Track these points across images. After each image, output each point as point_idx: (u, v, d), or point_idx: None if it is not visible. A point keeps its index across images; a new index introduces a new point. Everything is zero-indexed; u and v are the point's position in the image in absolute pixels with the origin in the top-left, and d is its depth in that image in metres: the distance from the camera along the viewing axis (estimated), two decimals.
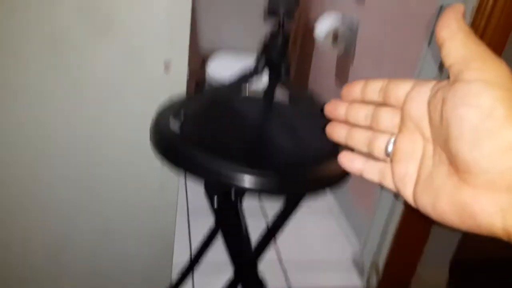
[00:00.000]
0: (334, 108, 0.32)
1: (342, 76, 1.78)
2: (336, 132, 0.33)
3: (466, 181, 0.23)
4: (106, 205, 0.96)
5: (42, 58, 0.78)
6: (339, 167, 0.72)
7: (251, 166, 0.65)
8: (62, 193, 0.92)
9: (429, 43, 1.14)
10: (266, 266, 1.35)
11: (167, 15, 0.80)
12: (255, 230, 0.94)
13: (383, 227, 1.31)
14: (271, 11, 0.75)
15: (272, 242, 0.85)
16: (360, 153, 0.32)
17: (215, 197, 0.76)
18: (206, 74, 1.74)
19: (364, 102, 0.31)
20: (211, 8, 1.87)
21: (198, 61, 2.07)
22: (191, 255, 1.14)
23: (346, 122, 0.32)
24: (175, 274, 1.16)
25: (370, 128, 0.31)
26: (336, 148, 0.76)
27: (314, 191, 0.74)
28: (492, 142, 0.22)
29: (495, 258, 1.59)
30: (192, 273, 1.32)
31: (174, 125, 0.73)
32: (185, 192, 1.72)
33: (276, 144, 0.76)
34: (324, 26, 1.68)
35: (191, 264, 1.14)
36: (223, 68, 1.69)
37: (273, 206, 1.65)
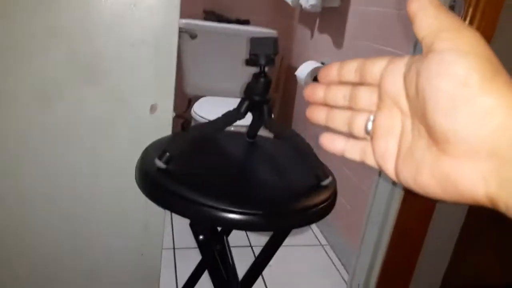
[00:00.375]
0: (313, 92, 0.32)
1: None
2: (316, 115, 0.33)
3: (445, 151, 0.23)
4: (91, 244, 0.97)
5: (33, 104, 0.82)
6: (323, 199, 0.77)
7: (237, 204, 0.68)
8: (46, 232, 0.93)
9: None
10: None
11: (153, 62, 0.86)
12: (240, 259, 0.95)
13: (371, 257, 1.33)
14: (252, 62, 0.80)
15: (259, 275, 0.87)
16: (341, 133, 0.32)
17: (201, 233, 0.78)
18: (192, 117, 1.79)
19: (341, 83, 0.31)
20: (197, 54, 1.95)
21: (184, 104, 2.12)
22: None
23: (325, 104, 0.32)
24: None
25: (349, 108, 0.31)
26: (318, 180, 0.80)
27: (300, 224, 0.77)
28: (469, 110, 0.21)
29: (482, 285, 1.62)
30: None
31: (159, 163, 0.76)
32: (171, 229, 1.73)
33: (261, 180, 0.80)
34: (304, 69, 1.77)
35: None
36: (209, 112, 1.75)
37: (259, 235, 1.67)
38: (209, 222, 0.76)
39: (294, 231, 1.72)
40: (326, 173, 0.81)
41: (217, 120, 0.80)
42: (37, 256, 0.94)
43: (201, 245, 0.79)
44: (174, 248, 1.61)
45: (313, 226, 1.87)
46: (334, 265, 1.63)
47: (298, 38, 2.19)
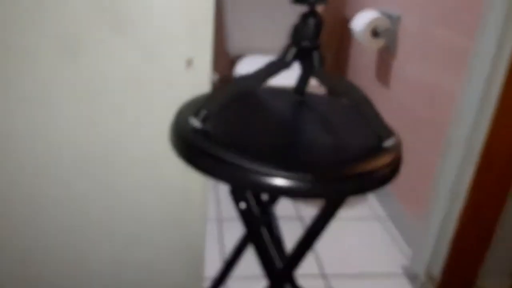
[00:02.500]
0: None
1: (384, 72, 1.67)
2: None
3: None
4: (127, 215, 0.91)
5: (56, 60, 0.75)
6: (385, 163, 0.64)
7: (284, 166, 0.58)
8: (81, 201, 0.88)
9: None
10: (308, 280, 1.27)
11: (187, 10, 0.75)
12: (289, 232, 0.84)
13: (438, 232, 1.18)
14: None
15: (310, 250, 0.77)
16: None
17: (242, 200, 0.69)
18: (235, 76, 1.68)
19: None
20: (240, 8, 1.82)
21: (227, 64, 2.02)
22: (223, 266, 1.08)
23: None
24: None
25: None
26: (379, 141, 0.68)
27: (357, 192, 0.66)
28: None
29: None
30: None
31: (195, 122, 0.67)
32: (216, 198, 1.66)
33: (310, 141, 0.68)
34: (361, 21, 1.59)
35: (222, 277, 1.08)
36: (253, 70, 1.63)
37: (308, 206, 1.56)
38: (250, 188, 0.66)
39: (349, 201, 1.60)
40: (389, 132, 0.68)
41: (259, 71, 0.69)
42: (67, 225, 0.90)
43: (242, 215, 0.70)
44: (219, 219, 1.54)
45: (371, 196, 1.72)
46: (395, 240, 1.49)
47: None
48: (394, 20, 1.54)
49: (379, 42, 1.60)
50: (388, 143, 0.68)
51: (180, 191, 0.90)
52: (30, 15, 0.71)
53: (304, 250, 0.77)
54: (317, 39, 0.69)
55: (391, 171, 0.66)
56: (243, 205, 0.69)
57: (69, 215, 0.89)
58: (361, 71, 1.91)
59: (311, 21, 0.68)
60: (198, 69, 0.81)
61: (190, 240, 0.96)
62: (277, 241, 0.93)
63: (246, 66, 1.69)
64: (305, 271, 0.82)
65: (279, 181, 0.58)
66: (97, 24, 0.74)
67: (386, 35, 1.57)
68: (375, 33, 1.57)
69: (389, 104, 1.63)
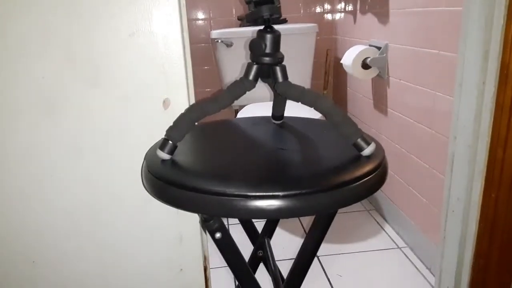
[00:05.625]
0: None
1: (380, 99, 1.64)
2: None
3: None
4: (118, 265, 0.87)
5: (35, 117, 0.76)
6: (366, 171, 0.59)
7: (262, 188, 0.54)
8: (66, 255, 0.85)
9: None
10: None
11: (158, 51, 0.77)
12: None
13: (458, 254, 1.08)
14: (253, 17, 0.67)
15: (304, 276, 0.70)
16: None
17: (216, 230, 0.64)
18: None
19: None
20: (235, 61, 1.86)
21: (230, 115, 2.04)
22: None
23: None
24: None
25: None
26: (358, 150, 0.63)
27: (346, 201, 0.60)
28: None
29: None
30: None
31: (162, 154, 0.65)
32: None
33: (286, 160, 0.65)
34: (350, 55, 1.60)
35: None
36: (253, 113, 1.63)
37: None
38: (218, 214, 0.62)
39: (365, 234, 1.50)
40: (366, 139, 0.64)
41: (223, 94, 0.67)
42: (59, 281, 0.86)
43: (218, 245, 0.65)
44: None
45: (387, 227, 1.62)
46: (417, 269, 1.37)
47: (342, 28, 2.02)
48: (382, 50, 1.54)
49: (372, 73, 1.59)
50: (367, 150, 0.64)
51: (173, 234, 0.87)
52: (3, 73, 0.73)
53: (298, 279, 0.71)
54: (276, 53, 0.67)
55: (376, 178, 0.61)
56: (218, 234, 0.64)
57: (62, 273, 0.86)
58: (360, 103, 1.89)
59: (269, 37, 0.67)
60: (176, 108, 0.81)
61: (187, 285, 0.90)
62: (275, 278, 0.86)
63: (247, 115, 1.69)
64: None
65: (257, 203, 0.54)
66: (71, 78, 0.75)
67: (376, 65, 1.56)
68: (365, 65, 1.57)
69: (390, 131, 1.58)
